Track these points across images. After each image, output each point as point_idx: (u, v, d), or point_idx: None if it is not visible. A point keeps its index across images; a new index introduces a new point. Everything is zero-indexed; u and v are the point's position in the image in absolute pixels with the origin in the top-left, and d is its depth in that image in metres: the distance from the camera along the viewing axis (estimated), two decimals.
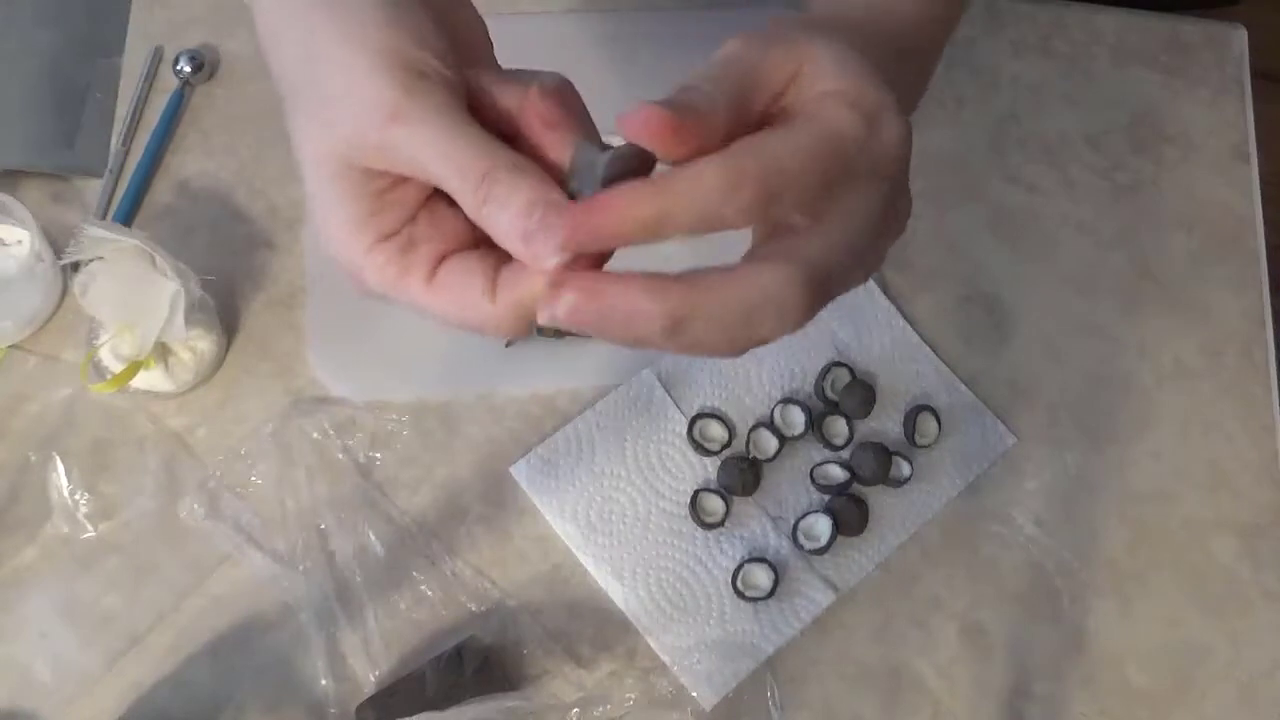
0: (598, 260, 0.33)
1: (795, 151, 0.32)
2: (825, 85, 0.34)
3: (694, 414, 0.64)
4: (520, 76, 0.37)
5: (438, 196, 0.36)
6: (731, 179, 0.31)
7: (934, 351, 0.67)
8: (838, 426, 0.64)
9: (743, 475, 0.61)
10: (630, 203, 0.31)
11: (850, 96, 0.34)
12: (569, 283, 0.32)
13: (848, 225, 0.34)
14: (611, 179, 0.32)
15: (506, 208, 0.32)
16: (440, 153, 0.33)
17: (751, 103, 0.35)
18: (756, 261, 0.33)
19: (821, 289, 0.33)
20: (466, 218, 0.35)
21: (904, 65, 0.42)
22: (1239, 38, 0.77)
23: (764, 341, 0.34)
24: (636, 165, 0.33)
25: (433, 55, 0.35)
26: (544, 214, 0.32)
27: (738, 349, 0.34)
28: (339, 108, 0.35)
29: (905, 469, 0.63)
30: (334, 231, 0.36)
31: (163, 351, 0.60)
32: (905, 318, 0.67)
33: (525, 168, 0.33)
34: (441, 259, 0.35)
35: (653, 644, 0.60)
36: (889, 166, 0.35)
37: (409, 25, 0.35)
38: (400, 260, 0.35)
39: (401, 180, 0.35)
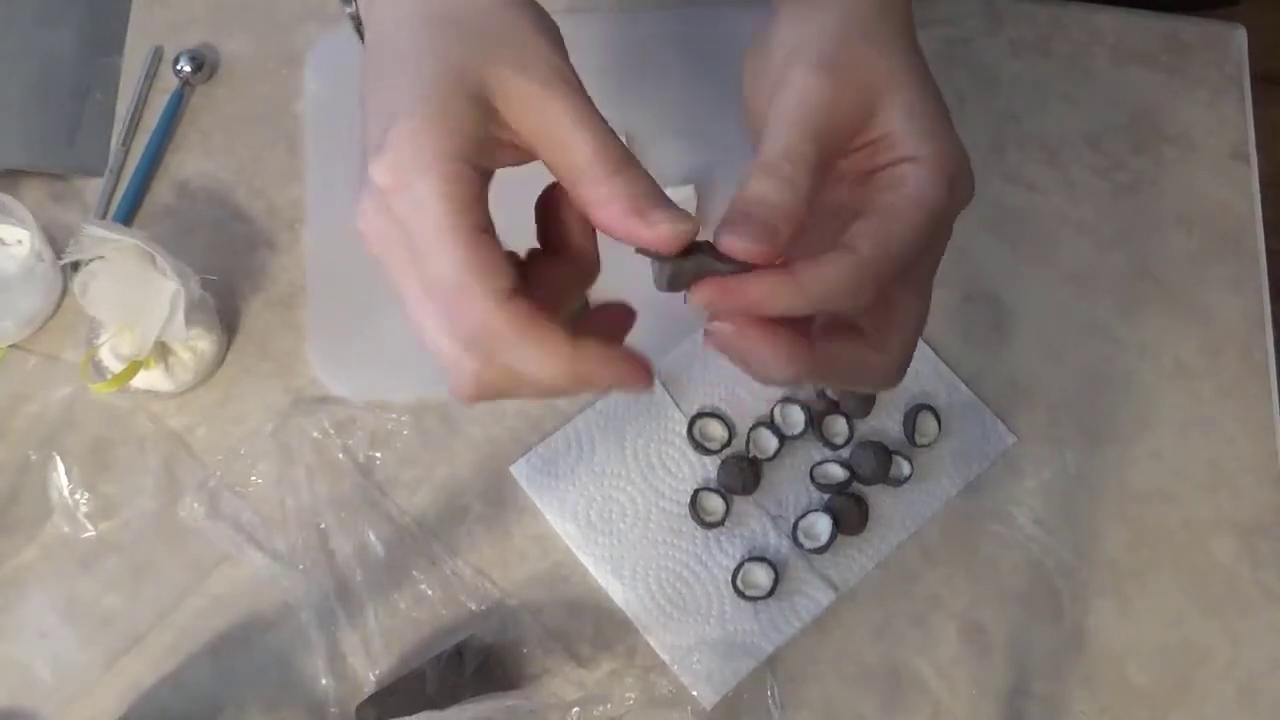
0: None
1: (903, 242, 0.36)
2: (907, 148, 0.38)
3: (694, 413, 0.64)
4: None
5: None
6: (858, 281, 0.35)
7: (934, 351, 0.67)
8: (838, 425, 0.64)
9: (743, 474, 0.61)
10: (770, 290, 0.35)
11: (935, 164, 0.37)
12: (733, 324, 0.36)
13: (927, 283, 0.39)
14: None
15: (635, 182, 0.35)
16: (588, 123, 0.35)
17: (829, 155, 0.38)
18: (866, 349, 0.38)
19: (910, 351, 0.39)
20: None
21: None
22: (1239, 38, 0.77)
23: None
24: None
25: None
26: (666, 201, 0.35)
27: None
28: (504, 44, 0.36)
29: (905, 468, 0.63)
30: (431, 126, 0.34)
31: (163, 351, 0.60)
32: None
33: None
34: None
35: (653, 643, 0.60)
36: (955, 217, 0.38)
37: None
38: (469, 195, 0.34)
39: (503, 144, 0.36)
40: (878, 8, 0.41)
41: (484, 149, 0.35)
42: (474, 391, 0.35)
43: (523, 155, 0.37)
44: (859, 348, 0.38)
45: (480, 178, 0.35)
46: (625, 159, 0.36)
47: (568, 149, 0.35)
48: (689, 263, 0.36)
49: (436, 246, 0.33)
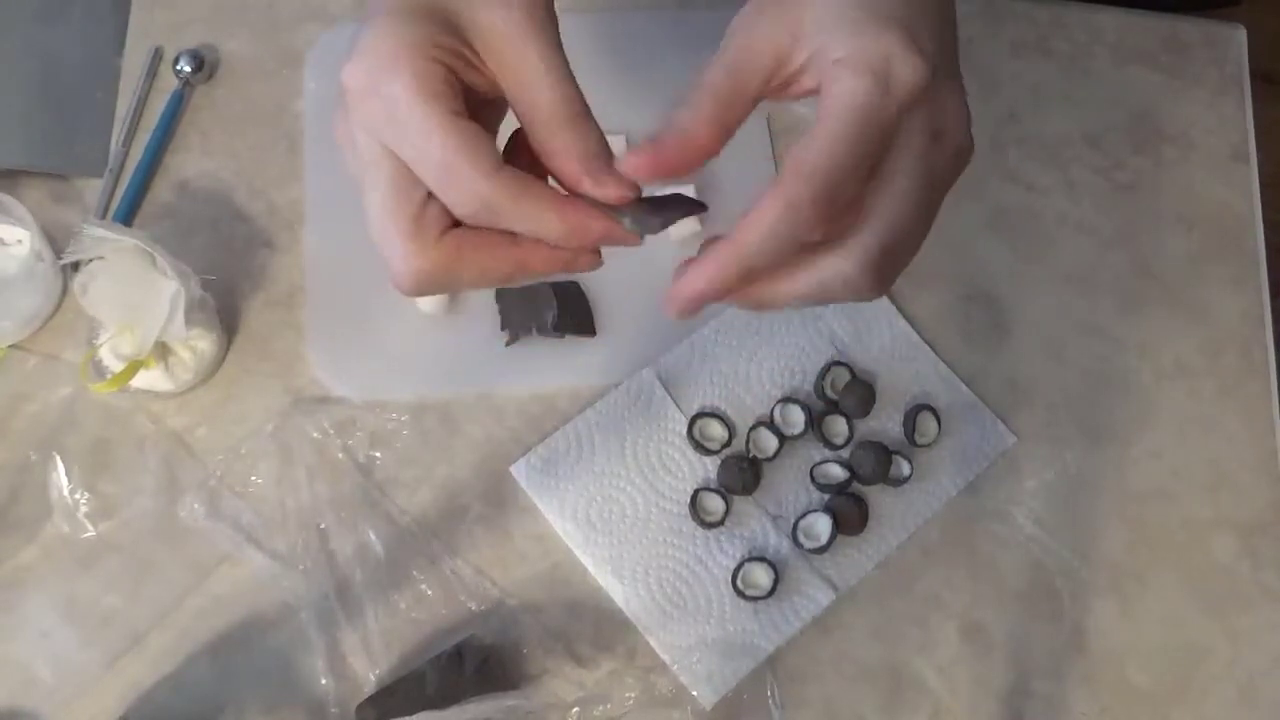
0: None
1: (831, 152, 0.35)
2: (832, 52, 0.37)
3: (694, 413, 0.64)
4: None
5: None
6: (790, 212, 0.35)
7: (934, 351, 0.67)
8: (837, 426, 0.64)
9: (743, 474, 0.61)
10: (718, 271, 0.36)
11: (854, 60, 0.36)
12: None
13: (898, 183, 0.37)
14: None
15: (588, 137, 0.37)
16: (554, 67, 0.37)
17: (747, 86, 0.38)
18: (826, 254, 0.37)
19: (887, 265, 0.37)
20: None
21: None
22: (1238, 38, 0.77)
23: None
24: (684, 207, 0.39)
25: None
26: (612, 162, 0.37)
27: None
28: None
29: (905, 468, 0.63)
30: (399, 29, 0.36)
31: (163, 351, 0.60)
32: (905, 317, 0.68)
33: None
34: None
35: (653, 643, 0.60)
36: (911, 106, 0.36)
37: None
38: (443, 85, 0.36)
39: (470, 65, 0.37)
40: None
41: (450, 56, 0.36)
42: (416, 283, 0.37)
43: (489, 85, 0.38)
44: (814, 252, 0.37)
45: (448, 73, 0.36)
46: (583, 113, 0.37)
47: (529, 91, 0.37)
48: (654, 218, 0.38)
49: (421, 138, 0.35)
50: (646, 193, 0.38)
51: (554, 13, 0.38)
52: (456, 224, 0.37)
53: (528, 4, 0.37)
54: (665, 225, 0.38)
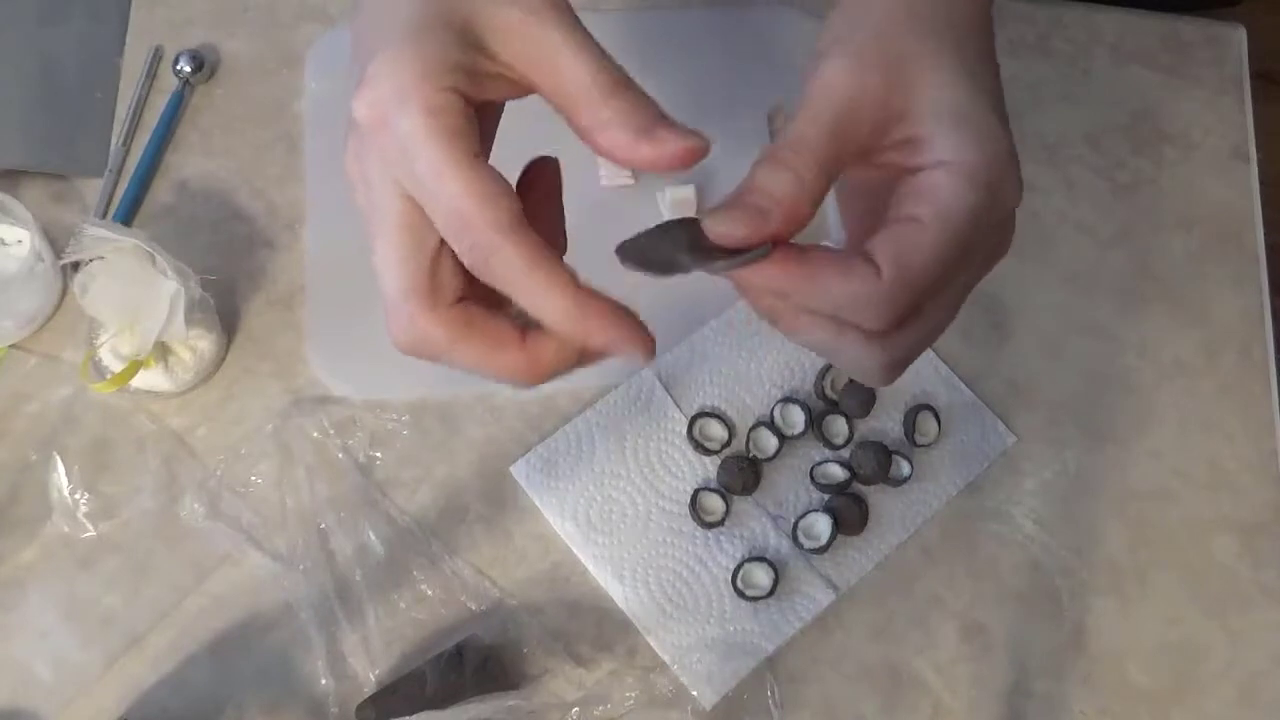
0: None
1: (926, 264, 0.34)
2: (938, 151, 0.35)
3: (694, 413, 0.64)
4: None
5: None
6: (875, 303, 0.34)
7: (934, 351, 0.67)
8: (838, 425, 0.64)
9: (743, 474, 0.61)
10: (768, 277, 0.34)
11: (969, 171, 0.34)
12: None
13: (959, 296, 0.36)
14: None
15: (639, 103, 0.34)
16: (585, 46, 0.34)
17: (846, 151, 0.35)
18: (853, 333, 0.35)
19: (908, 361, 0.37)
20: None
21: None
22: (1238, 38, 0.77)
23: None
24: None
25: None
26: (673, 121, 0.34)
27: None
28: None
29: (905, 468, 0.63)
30: (411, 56, 0.33)
31: (163, 351, 0.60)
32: None
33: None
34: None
35: (653, 643, 0.60)
36: (1003, 225, 0.36)
37: None
38: (460, 120, 0.33)
39: (492, 76, 0.35)
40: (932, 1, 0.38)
41: (469, 78, 0.33)
42: (410, 342, 0.35)
43: (516, 88, 0.36)
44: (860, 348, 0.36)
45: (467, 106, 0.33)
46: (624, 80, 0.34)
47: (563, 74, 0.34)
48: (683, 255, 0.34)
49: (434, 180, 0.32)
50: (641, 227, 0.36)
51: (568, 2, 0.36)
52: (469, 295, 0.35)
53: (567, 8, 0.35)
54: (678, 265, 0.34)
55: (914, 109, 0.35)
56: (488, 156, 0.37)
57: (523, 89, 0.36)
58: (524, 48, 0.34)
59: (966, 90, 0.36)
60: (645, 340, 0.34)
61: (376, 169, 0.33)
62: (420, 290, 0.33)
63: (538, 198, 0.37)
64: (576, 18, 0.35)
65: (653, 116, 0.34)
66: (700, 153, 0.34)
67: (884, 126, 0.36)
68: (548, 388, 0.64)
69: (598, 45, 0.35)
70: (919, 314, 0.36)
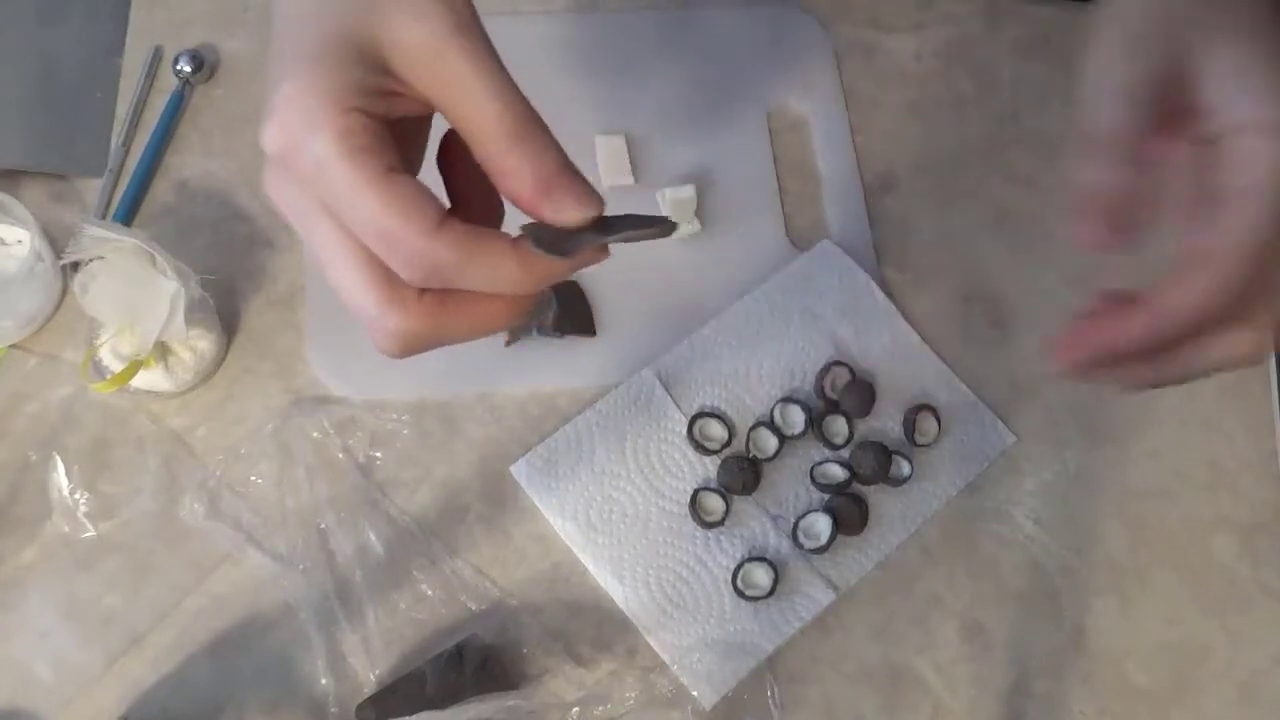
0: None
1: (1262, 226, 0.34)
2: (1243, 112, 0.35)
3: (694, 413, 0.64)
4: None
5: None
6: (1222, 284, 0.34)
7: (934, 351, 0.67)
8: (837, 425, 0.64)
9: (743, 474, 0.61)
10: (1126, 334, 0.36)
11: (1275, 126, 0.34)
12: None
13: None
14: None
15: (543, 154, 0.33)
16: (493, 78, 0.33)
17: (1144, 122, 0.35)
18: (1236, 326, 0.36)
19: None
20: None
21: None
22: None
23: None
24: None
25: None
26: (576, 176, 0.34)
27: None
28: (400, 2, 0.34)
29: (905, 468, 0.63)
30: (311, 81, 0.32)
31: (163, 351, 0.60)
32: (905, 317, 0.68)
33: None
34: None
35: (653, 643, 0.60)
36: None
37: None
38: (369, 139, 0.32)
39: (398, 94, 0.34)
40: None
41: (375, 98, 0.33)
42: (402, 345, 0.34)
43: (427, 107, 0.35)
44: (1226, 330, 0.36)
45: (377, 124, 0.33)
46: (530, 122, 0.34)
47: (468, 108, 0.33)
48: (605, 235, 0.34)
49: (352, 201, 0.32)
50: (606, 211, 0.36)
51: (480, 22, 0.34)
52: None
53: (450, 16, 0.33)
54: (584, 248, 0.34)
55: (1204, 76, 0.35)
56: (419, 165, 0.37)
57: (431, 107, 0.35)
58: (428, 74, 0.33)
59: (1251, 49, 0.35)
60: (600, 253, 0.35)
61: (299, 195, 0.33)
62: (388, 297, 0.33)
63: (461, 168, 0.36)
64: (488, 43, 0.34)
65: (554, 169, 0.33)
66: (594, 217, 0.34)
67: (1173, 96, 0.35)
68: (548, 388, 0.64)
69: (506, 78, 0.34)
70: (1268, 283, 0.35)
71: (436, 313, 0.34)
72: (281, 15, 0.35)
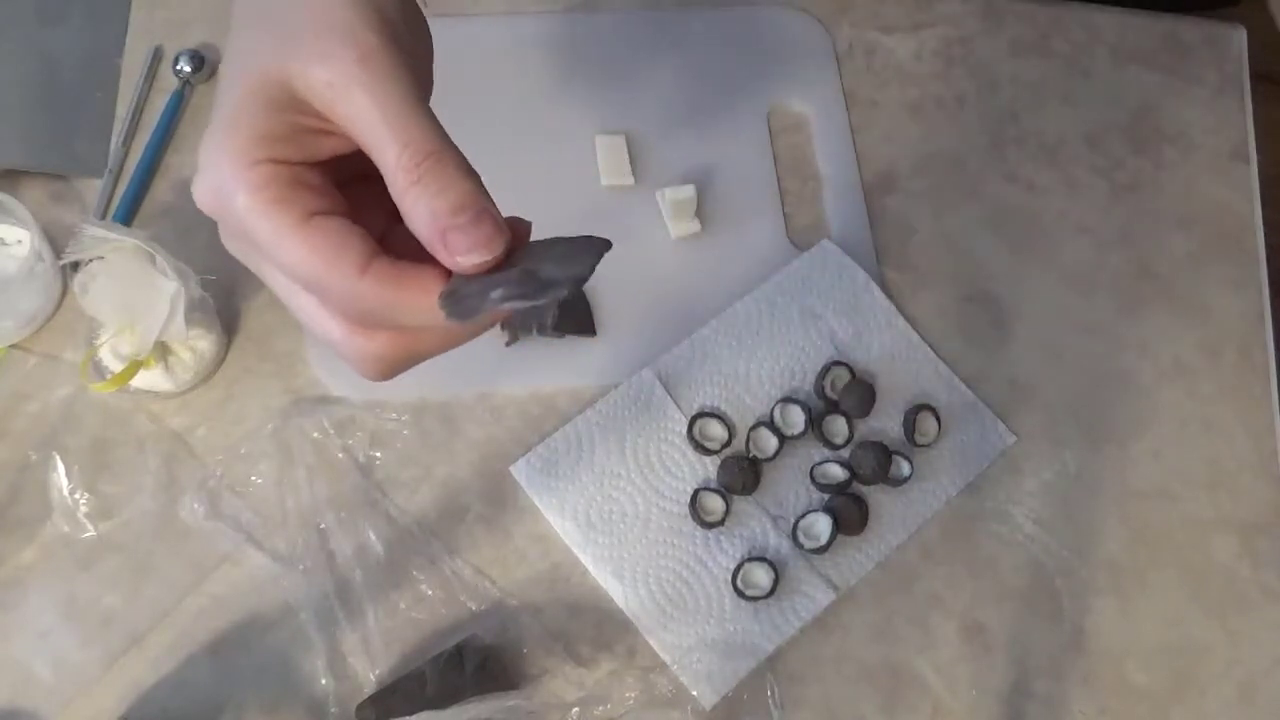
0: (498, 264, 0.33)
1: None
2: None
3: (694, 413, 0.64)
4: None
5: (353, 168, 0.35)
6: None
7: (934, 351, 0.67)
8: (837, 425, 0.64)
9: (743, 474, 0.61)
10: None
11: None
12: None
13: None
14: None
15: (438, 196, 0.32)
16: (392, 115, 0.33)
17: None
18: None
19: None
20: (367, 202, 0.35)
21: None
22: (1238, 38, 0.77)
23: None
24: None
25: (407, 31, 0.35)
26: (475, 217, 0.32)
27: None
28: (306, 32, 0.34)
29: (905, 468, 0.63)
30: (223, 139, 0.33)
31: (163, 351, 0.60)
32: (905, 317, 0.68)
33: (467, 169, 0.33)
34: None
35: (653, 643, 0.60)
36: None
37: None
38: (283, 189, 0.32)
39: (324, 131, 0.34)
40: None
41: (290, 143, 0.33)
42: (379, 369, 0.35)
43: (350, 141, 0.34)
44: None
45: (292, 170, 0.33)
46: (432, 163, 0.32)
47: (369, 145, 0.33)
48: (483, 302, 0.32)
49: (276, 252, 0.32)
50: (554, 234, 0.34)
51: (404, 53, 0.34)
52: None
53: (354, 52, 0.33)
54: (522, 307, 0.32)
55: None
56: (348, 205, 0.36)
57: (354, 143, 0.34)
58: (339, 109, 0.33)
59: None
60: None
61: (242, 248, 0.34)
62: (351, 328, 0.34)
63: (380, 191, 0.35)
64: (398, 76, 0.33)
65: (450, 210, 0.32)
66: (491, 263, 0.32)
67: None
68: (548, 388, 0.64)
69: (411, 112, 0.33)
70: None
71: (403, 335, 0.34)
72: (221, 67, 0.36)
